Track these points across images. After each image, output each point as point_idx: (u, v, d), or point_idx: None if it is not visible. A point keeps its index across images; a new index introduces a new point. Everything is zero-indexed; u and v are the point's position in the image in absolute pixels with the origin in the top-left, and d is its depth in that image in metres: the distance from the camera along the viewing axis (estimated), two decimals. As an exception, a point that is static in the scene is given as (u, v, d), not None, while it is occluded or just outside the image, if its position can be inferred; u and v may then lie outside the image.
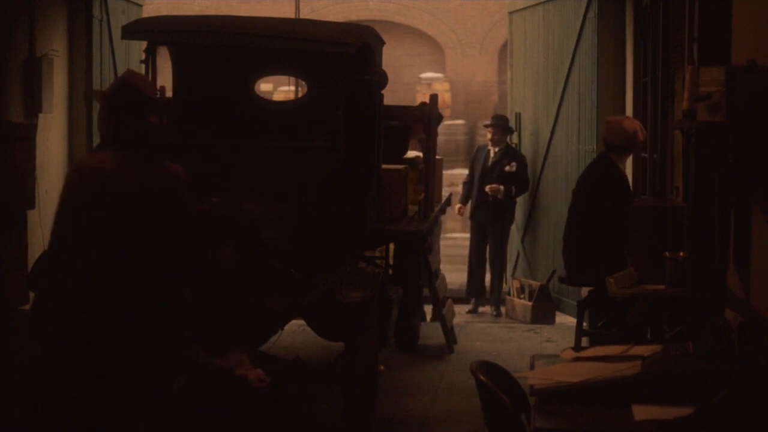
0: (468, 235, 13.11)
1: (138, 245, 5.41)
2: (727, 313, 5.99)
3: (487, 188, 12.34)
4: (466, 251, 13.00)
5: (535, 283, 12.08)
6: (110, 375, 5.40)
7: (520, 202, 12.79)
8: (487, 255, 12.74)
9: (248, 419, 6.43)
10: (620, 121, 9.21)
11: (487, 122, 12.84)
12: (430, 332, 10.72)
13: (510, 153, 12.51)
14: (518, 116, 12.95)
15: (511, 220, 12.72)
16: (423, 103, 10.70)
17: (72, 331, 5.35)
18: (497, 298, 12.64)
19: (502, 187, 12.29)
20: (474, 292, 12.82)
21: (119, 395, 5.43)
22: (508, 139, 12.62)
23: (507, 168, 12.33)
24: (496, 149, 12.51)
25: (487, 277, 12.86)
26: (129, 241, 5.41)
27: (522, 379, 5.25)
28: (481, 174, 12.54)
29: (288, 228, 7.66)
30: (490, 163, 12.49)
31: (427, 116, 9.97)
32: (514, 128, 12.83)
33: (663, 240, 7.54)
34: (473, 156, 13.08)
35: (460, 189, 13.16)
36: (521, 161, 12.42)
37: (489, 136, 12.62)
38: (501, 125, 12.58)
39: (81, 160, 6.61)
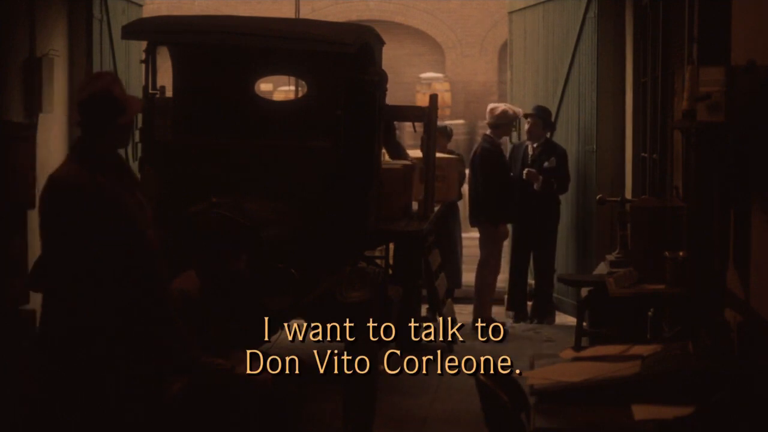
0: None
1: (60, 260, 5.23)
2: (727, 312, 5.99)
3: (525, 171, 11.33)
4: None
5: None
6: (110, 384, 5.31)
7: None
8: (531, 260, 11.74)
9: (248, 419, 6.43)
10: (499, 106, 11.70)
11: (528, 112, 11.71)
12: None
13: (550, 148, 11.52)
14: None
15: (557, 220, 11.69)
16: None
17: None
18: (548, 308, 11.69)
19: (541, 176, 11.27)
20: (518, 304, 11.68)
21: (118, 403, 5.34)
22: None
23: (546, 164, 11.34)
24: (535, 144, 11.52)
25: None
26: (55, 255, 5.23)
27: (522, 379, 5.25)
28: (521, 173, 11.48)
29: (288, 228, 7.66)
30: (529, 159, 11.48)
31: (426, 116, 9.97)
32: (554, 125, 11.89)
33: (663, 240, 7.54)
34: (509, 155, 11.86)
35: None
36: (561, 156, 11.46)
37: (526, 127, 11.64)
38: (542, 117, 11.59)
39: None
